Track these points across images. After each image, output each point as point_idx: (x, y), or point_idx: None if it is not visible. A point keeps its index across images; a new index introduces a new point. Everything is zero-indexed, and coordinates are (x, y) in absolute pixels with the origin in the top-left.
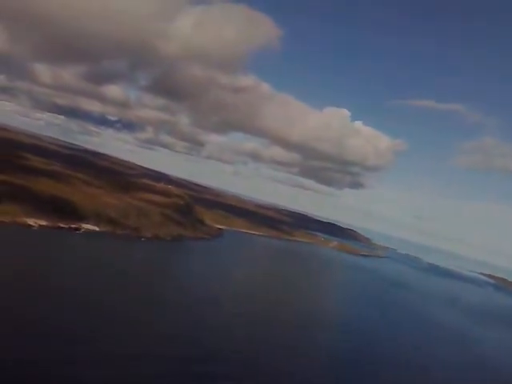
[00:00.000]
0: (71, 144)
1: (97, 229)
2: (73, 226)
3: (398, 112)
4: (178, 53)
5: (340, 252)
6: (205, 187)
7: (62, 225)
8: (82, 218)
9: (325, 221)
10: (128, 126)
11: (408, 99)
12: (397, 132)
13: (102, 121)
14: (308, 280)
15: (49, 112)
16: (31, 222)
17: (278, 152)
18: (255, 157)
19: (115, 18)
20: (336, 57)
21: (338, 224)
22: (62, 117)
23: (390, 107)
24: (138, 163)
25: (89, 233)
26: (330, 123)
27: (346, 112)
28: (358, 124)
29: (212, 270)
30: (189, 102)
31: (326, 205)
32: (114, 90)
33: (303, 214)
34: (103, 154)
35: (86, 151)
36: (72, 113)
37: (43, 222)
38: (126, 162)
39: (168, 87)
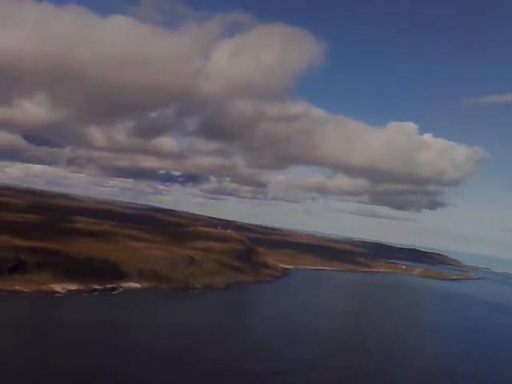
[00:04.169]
0: (142, 205)
1: (138, 286)
2: (109, 286)
3: (471, 114)
4: (221, 90)
5: (426, 278)
6: (273, 229)
7: (96, 286)
8: (121, 276)
9: (405, 247)
10: (191, 178)
11: (480, 97)
12: (473, 138)
13: (167, 177)
14: (396, 312)
15: (116, 177)
16: (59, 288)
17: (343, 180)
18: (321, 190)
19: (150, 66)
20: (391, 61)
21: (421, 249)
22: (130, 180)
23: (461, 110)
24: (208, 215)
25: (128, 291)
26: (396, 140)
27: (412, 125)
28: (428, 136)
29: (265, 313)
30: (240, 140)
31: (404, 231)
32: (166, 142)
33: (380, 244)
34: (172, 210)
35: (156, 210)
36: (137, 174)
37: (74, 287)
38: (193, 214)
39: (217, 129)
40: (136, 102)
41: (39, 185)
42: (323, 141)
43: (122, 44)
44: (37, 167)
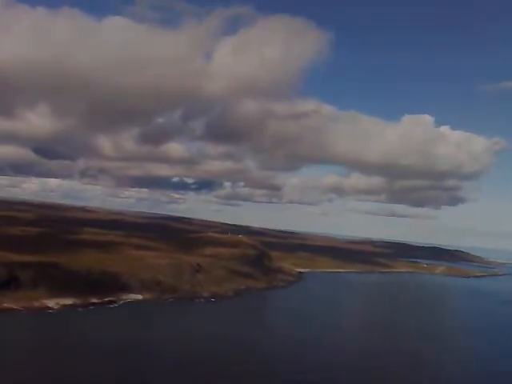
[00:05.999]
0: (156, 214)
1: (139, 297)
2: (107, 299)
3: (489, 103)
4: (225, 90)
5: (449, 277)
6: (289, 232)
7: (94, 300)
8: (122, 287)
9: (426, 246)
10: (204, 185)
11: (494, 83)
12: (491, 129)
13: (180, 185)
14: (429, 314)
15: (131, 187)
16: (52, 303)
17: (359, 179)
18: (337, 190)
19: (150, 68)
20: (402, 52)
21: (442, 247)
22: (145, 189)
23: (479, 99)
24: (224, 221)
25: (127, 304)
26: (412, 134)
27: (428, 118)
28: (445, 129)
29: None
30: (250, 142)
31: (425, 229)
32: (174, 148)
33: (401, 243)
34: (185, 218)
35: (169, 218)
36: (151, 183)
37: (69, 301)
38: (206, 221)
39: (224, 131)
40: (139, 107)
41: (56, 199)
42: (336, 138)
43: (120, 47)
44: (53, 181)
